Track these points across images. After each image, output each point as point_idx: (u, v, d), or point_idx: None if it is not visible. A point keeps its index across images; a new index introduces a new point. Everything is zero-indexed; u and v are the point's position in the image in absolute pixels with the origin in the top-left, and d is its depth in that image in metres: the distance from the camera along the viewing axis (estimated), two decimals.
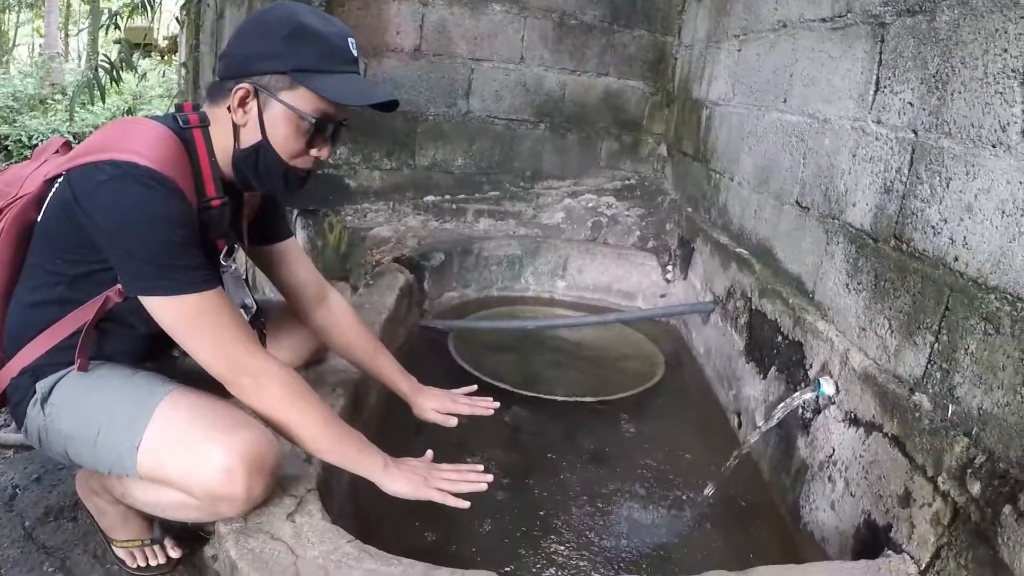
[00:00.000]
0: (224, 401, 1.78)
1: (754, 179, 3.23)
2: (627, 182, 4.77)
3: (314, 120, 1.70)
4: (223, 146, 1.76)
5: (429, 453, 1.99)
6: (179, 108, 1.81)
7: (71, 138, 11.88)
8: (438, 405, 2.31)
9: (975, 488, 1.58)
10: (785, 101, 2.96)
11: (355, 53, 1.74)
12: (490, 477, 1.92)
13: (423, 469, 1.86)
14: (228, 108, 1.71)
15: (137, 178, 1.56)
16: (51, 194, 1.69)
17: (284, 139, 1.72)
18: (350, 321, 2.27)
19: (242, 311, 1.87)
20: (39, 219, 1.71)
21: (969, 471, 1.61)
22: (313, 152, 1.76)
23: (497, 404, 2.37)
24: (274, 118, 1.70)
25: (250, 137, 1.73)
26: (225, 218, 1.82)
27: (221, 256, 1.83)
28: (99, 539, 2.09)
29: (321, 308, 2.23)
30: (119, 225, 1.55)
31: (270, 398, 1.67)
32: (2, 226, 1.71)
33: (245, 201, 1.99)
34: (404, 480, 1.79)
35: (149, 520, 2.03)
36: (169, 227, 1.57)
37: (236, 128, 1.74)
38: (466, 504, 1.81)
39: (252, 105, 1.70)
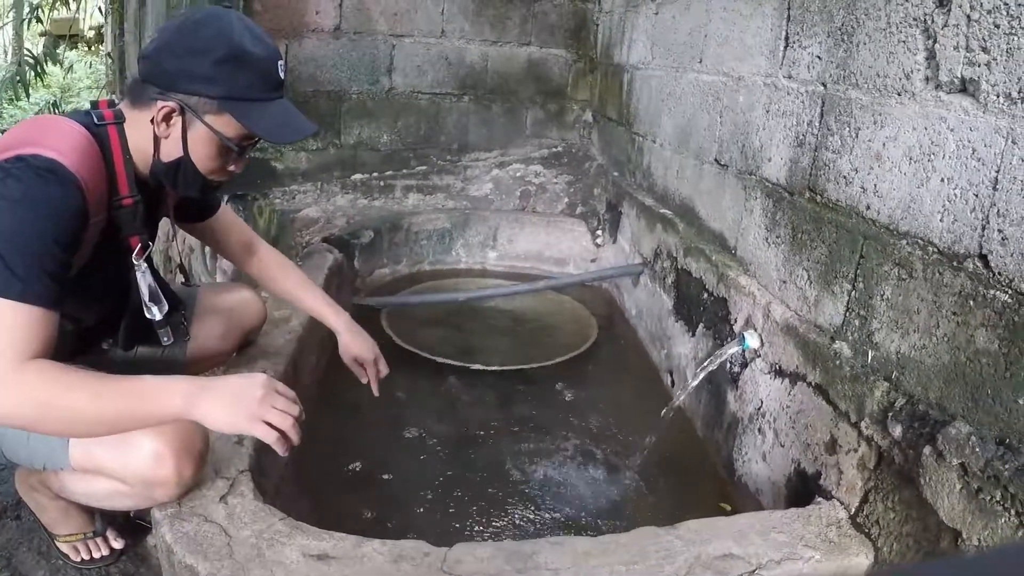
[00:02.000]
0: None
1: (675, 140, 3.26)
2: (554, 150, 4.78)
3: (237, 148, 1.71)
4: (141, 148, 1.73)
5: (265, 375, 1.66)
6: (94, 105, 1.77)
7: None
8: (358, 353, 2.30)
9: (897, 431, 1.62)
10: (701, 61, 2.98)
11: (282, 76, 1.74)
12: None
13: (250, 392, 1.55)
14: (152, 120, 1.68)
15: (35, 169, 1.52)
16: None
17: (205, 158, 1.72)
18: (279, 267, 2.33)
19: (155, 308, 1.85)
20: None
21: (890, 415, 1.65)
22: (231, 168, 1.77)
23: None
24: (197, 139, 1.70)
25: (171, 151, 1.72)
26: (139, 216, 1.79)
27: (133, 255, 1.79)
28: (42, 535, 2.10)
29: (253, 260, 2.29)
30: (3, 205, 1.49)
31: (29, 384, 1.46)
32: None
33: (168, 194, 1.97)
34: (222, 410, 1.52)
35: (90, 513, 2.03)
36: (47, 217, 1.51)
37: (157, 140, 1.71)
38: (285, 452, 1.57)
39: (176, 122, 1.68)
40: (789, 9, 2.29)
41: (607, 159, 4.42)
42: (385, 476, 2.37)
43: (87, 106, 1.81)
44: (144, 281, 1.84)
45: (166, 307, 1.87)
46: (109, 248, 1.75)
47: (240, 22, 1.71)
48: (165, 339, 1.81)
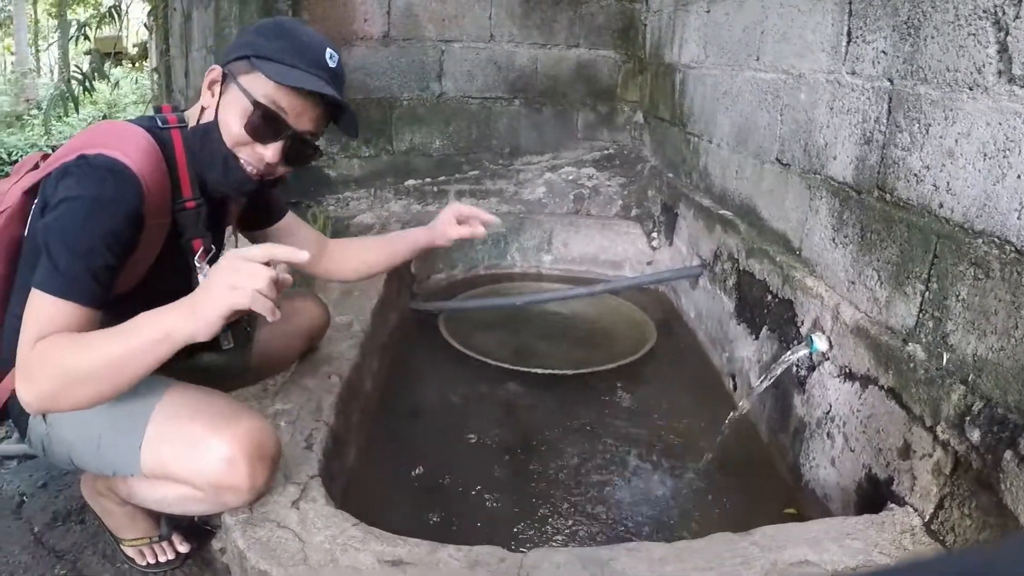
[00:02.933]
0: (221, 394, 1.80)
1: (732, 139, 3.22)
2: (606, 152, 4.75)
3: (254, 103, 1.66)
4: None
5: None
6: (158, 110, 1.81)
7: (49, 151, 11.85)
8: (446, 219, 2.34)
9: (975, 435, 1.58)
10: (758, 59, 2.94)
11: (330, 63, 1.73)
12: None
13: (222, 272, 1.44)
14: (201, 91, 1.74)
15: (96, 168, 1.55)
16: (33, 206, 1.68)
17: (230, 121, 1.69)
18: (347, 252, 2.34)
19: None
20: (25, 232, 1.70)
21: (967, 419, 1.61)
22: (259, 149, 1.71)
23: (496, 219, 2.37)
24: (228, 100, 1.70)
25: (207, 118, 1.74)
26: (201, 218, 1.80)
27: (195, 257, 1.80)
28: (108, 539, 2.12)
29: (326, 254, 2.29)
30: (57, 204, 1.53)
31: (38, 358, 1.47)
32: None
33: (231, 201, 1.99)
34: (206, 297, 1.44)
35: (156, 517, 2.05)
36: (102, 215, 1.53)
37: (203, 111, 1.75)
38: (278, 314, 1.45)
39: (217, 89, 1.72)
40: (850, 4, 2.25)
41: (660, 160, 4.38)
42: (448, 480, 2.36)
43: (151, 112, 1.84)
44: None
45: None
46: (173, 252, 1.77)
47: (301, 23, 1.76)
48: (225, 343, 1.79)
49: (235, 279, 1.41)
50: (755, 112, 2.97)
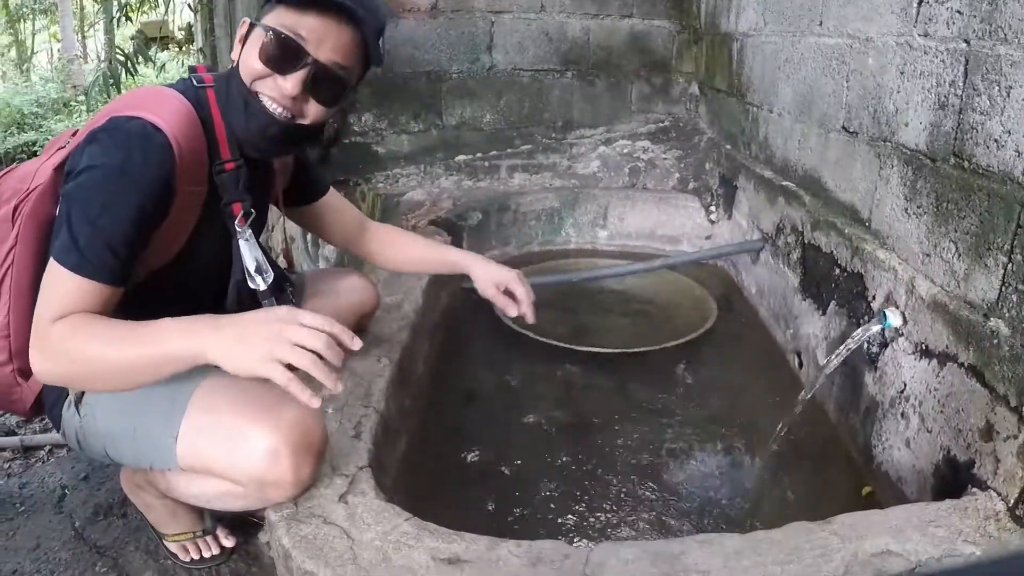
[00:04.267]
0: (260, 383, 1.71)
1: (795, 108, 3.10)
2: (661, 124, 4.64)
3: (271, 29, 1.59)
4: None
5: (287, 307, 1.55)
6: (192, 70, 1.75)
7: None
8: (499, 277, 2.27)
9: None
10: (821, 24, 2.82)
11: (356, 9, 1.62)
12: (358, 344, 1.49)
13: (262, 330, 1.41)
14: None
15: (129, 129, 1.50)
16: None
17: (249, 58, 1.62)
18: (397, 234, 2.33)
19: (259, 278, 1.78)
20: (57, 212, 1.63)
21: None
22: (279, 81, 1.61)
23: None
24: (250, 42, 1.64)
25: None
26: (241, 181, 1.73)
27: (236, 222, 1.74)
28: (150, 534, 2.08)
29: (367, 237, 2.26)
30: (82, 170, 1.48)
31: (54, 339, 1.44)
32: (19, 224, 1.65)
33: (276, 169, 1.93)
34: (232, 353, 1.40)
35: (199, 511, 1.99)
36: (128, 183, 1.48)
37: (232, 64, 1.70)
38: (317, 402, 1.39)
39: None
40: None
41: (717, 132, 4.26)
42: (504, 466, 2.30)
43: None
44: (248, 250, 1.78)
45: (271, 277, 1.79)
46: (213, 218, 1.70)
47: None
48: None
49: (281, 352, 1.37)
50: (819, 79, 2.85)
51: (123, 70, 6.58)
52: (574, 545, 1.46)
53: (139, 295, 1.61)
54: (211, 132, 1.67)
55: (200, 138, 1.63)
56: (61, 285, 1.45)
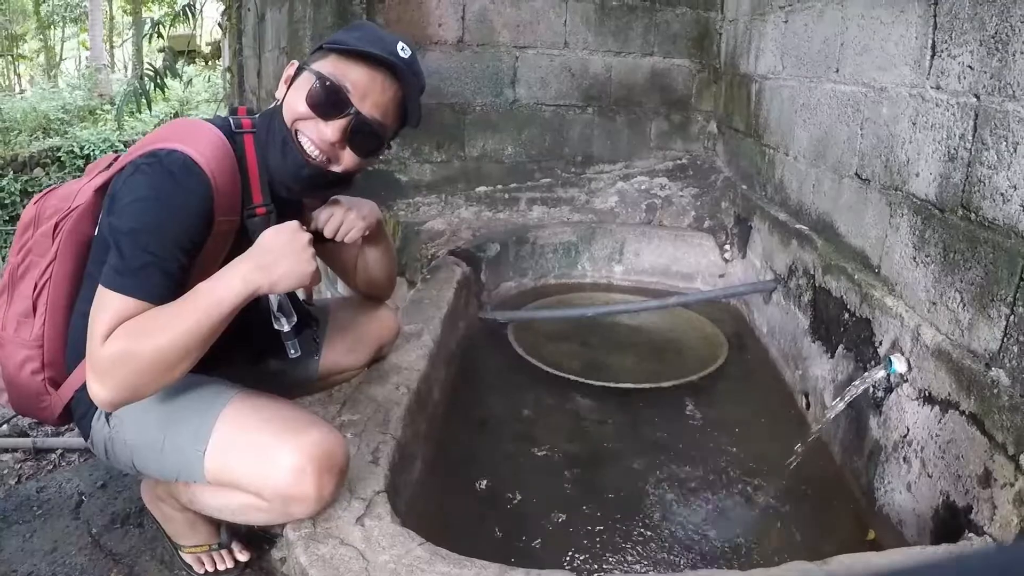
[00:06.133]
0: (289, 402, 1.79)
1: (810, 153, 3.15)
2: (679, 162, 4.71)
3: (318, 75, 1.66)
4: None
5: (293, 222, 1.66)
6: (233, 111, 1.81)
7: (122, 147, 12.14)
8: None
9: None
10: (838, 71, 2.88)
11: (401, 53, 1.71)
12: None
13: (297, 245, 1.60)
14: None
15: (170, 163, 1.57)
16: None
17: (295, 100, 1.69)
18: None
19: (283, 319, 1.79)
20: (96, 231, 1.72)
21: None
22: (321, 126, 1.68)
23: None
24: (297, 85, 1.70)
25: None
26: (271, 225, 1.75)
27: None
28: (166, 545, 2.11)
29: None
30: (127, 203, 1.55)
31: (112, 353, 1.49)
32: (59, 240, 1.72)
33: (305, 207, 1.98)
34: (285, 272, 1.58)
35: (216, 525, 2.03)
36: (171, 213, 1.55)
37: (275, 104, 1.76)
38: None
39: (291, 82, 1.74)
40: (935, 17, 2.19)
41: (734, 171, 4.32)
42: (514, 494, 2.34)
43: (226, 112, 1.84)
44: (274, 297, 1.80)
45: (295, 319, 1.81)
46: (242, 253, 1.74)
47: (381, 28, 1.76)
48: (292, 351, 1.76)
49: (312, 256, 1.60)
50: (834, 125, 2.90)
51: (152, 84, 6.70)
52: (579, 574, 1.50)
53: None
54: (245, 176, 1.73)
55: (235, 177, 1.70)
56: (113, 309, 1.50)
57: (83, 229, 1.73)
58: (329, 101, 1.67)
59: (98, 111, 14.67)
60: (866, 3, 2.64)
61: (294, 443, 1.59)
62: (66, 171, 11.90)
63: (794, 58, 3.38)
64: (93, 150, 12.30)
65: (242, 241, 1.74)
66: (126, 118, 10.98)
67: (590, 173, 4.63)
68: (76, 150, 12.31)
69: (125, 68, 21.62)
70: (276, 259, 1.57)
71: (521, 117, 4.51)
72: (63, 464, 3.16)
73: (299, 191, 1.82)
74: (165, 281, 1.54)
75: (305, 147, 1.70)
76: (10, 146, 12.37)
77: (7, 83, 19.51)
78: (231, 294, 1.54)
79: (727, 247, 4.14)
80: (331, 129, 1.67)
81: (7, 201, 11.35)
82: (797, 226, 3.21)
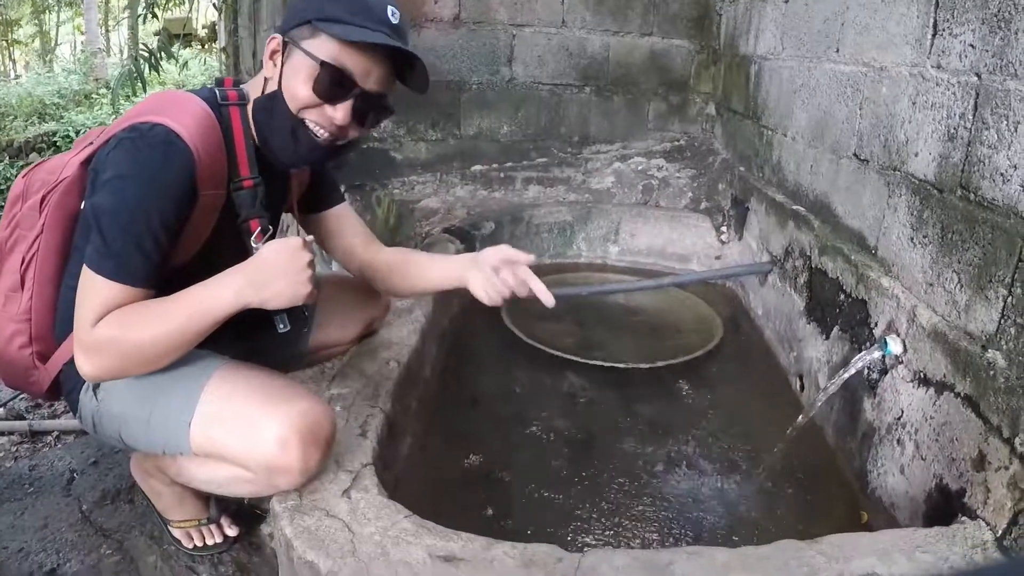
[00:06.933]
0: (276, 373, 1.79)
1: (809, 133, 3.13)
2: (676, 143, 4.68)
3: (321, 62, 1.63)
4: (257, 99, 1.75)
5: (297, 238, 1.64)
6: (219, 83, 1.79)
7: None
8: (484, 283, 1.96)
9: None
10: (838, 51, 2.85)
11: (392, 19, 1.67)
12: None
13: (297, 264, 1.59)
14: (262, 63, 1.72)
15: (151, 137, 1.55)
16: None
17: (295, 86, 1.66)
18: (400, 257, 2.14)
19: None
20: (82, 204, 1.70)
21: None
22: (328, 111, 1.67)
23: (553, 301, 1.99)
24: (292, 66, 1.67)
25: (271, 88, 1.71)
26: (259, 198, 1.78)
27: (252, 238, 1.78)
28: (156, 520, 2.13)
29: (368, 261, 2.16)
30: (108, 179, 1.55)
31: (100, 338, 1.52)
32: (46, 214, 1.72)
33: (293, 176, 1.98)
34: (277, 291, 1.58)
35: (205, 500, 2.05)
36: (152, 192, 1.54)
37: (266, 82, 1.72)
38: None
39: (279, 59, 1.69)
40: None
41: (732, 153, 4.29)
42: (504, 472, 2.34)
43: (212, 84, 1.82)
44: None
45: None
46: (228, 231, 1.76)
47: None
48: (281, 326, 1.75)
49: (310, 278, 1.60)
50: (833, 105, 2.88)
51: (147, 66, 6.64)
52: (568, 550, 1.49)
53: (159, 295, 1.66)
54: (231, 149, 1.72)
55: (220, 148, 1.68)
56: (99, 294, 1.52)
57: (69, 202, 1.73)
58: (336, 88, 1.66)
59: (94, 95, 14.57)
60: None
61: (279, 414, 1.59)
62: None
63: (794, 38, 3.35)
64: None
65: (230, 219, 1.75)
66: (122, 101, 10.92)
67: (587, 153, 4.60)
68: (72, 135, 12.19)
69: (121, 52, 21.46)
70: (272, 278, 1.58)
71: (517, 96, 4.48)
72: (59, 446, 3.18)
73: (305, 164, 1.85)
74: (147, 263, 1.55)
75: (314, 131, 1.70)
76: (5, 131, 12.29)
77: (2, 69, 19.42)
78: (221, 306, 1.57)
79: (724, 228, 4.11)
80: (340, 112, 1.67)
81: (3, 187, 11.31)
82: (794, 207, 3.18)
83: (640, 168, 4.57)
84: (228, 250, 1.74)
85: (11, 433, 3.10)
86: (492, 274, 1.95)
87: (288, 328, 1.78)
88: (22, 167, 11.56)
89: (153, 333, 1.53)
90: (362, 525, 1.53)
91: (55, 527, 2.17)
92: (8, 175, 11.42)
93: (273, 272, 1.57)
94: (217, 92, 1.73)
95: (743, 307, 3.70)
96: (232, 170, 1.72)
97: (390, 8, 1.68)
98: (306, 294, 1.60)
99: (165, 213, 1.56)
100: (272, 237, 1.83)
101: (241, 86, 1.78)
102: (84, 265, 1.54)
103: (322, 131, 1.70)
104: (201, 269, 1.65)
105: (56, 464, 2.49)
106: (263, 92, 1.73)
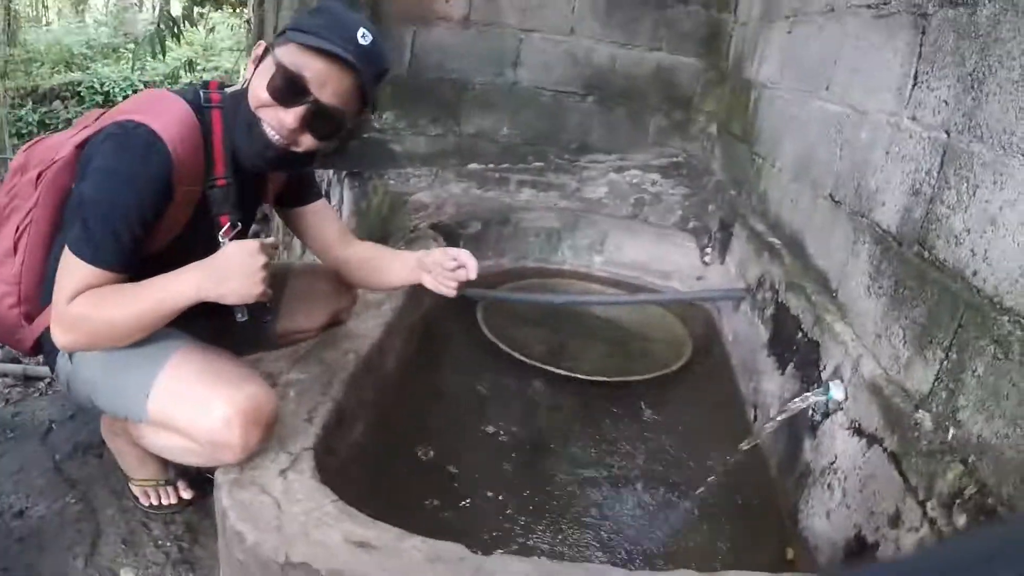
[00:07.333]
0: (230, 357, 1.91)
1: (793, 167, 3.15)
2: (674, 159, 4.70)
3: (277, 63, 1.71)
4: None
5: (256, 241, 1.73)
6: (205, 85, 1.89)
7: (142, 86, 12.23)
8: (433, 281, 2.10)
9: (961, 520, 1.53)
10: (828, 88, 2.87)
11: (361, 40, 1.74)
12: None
13: (252, 265, 1.68)
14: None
15: (134, 136, 1.68)
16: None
17: (258, 86, 1.75)
18: (369, 251, 2.29)
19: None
20: (71, 201, 1.82)
21: (958, 501, 1.56)
22: (281, 113, 1.74)
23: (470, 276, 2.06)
24: (261, 69, 1.77)
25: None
26: (231, 197, 1.88)
27: (221, 232, 1.86)
28: (119, 477, 2.27)
29: (343, 254, 2.27)
30: (92, 170, 1.69)
31: (73, 313, 1.67)
32: (41, 189, 1.87)
33: (268, 178, 2.07)
34: (232, 287, 1.68)
35: (165, 462, 2.20)
36: (130, 187, 1.67)
37: (246, 85, 1.82)
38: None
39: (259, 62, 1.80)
40: (921, 46, 2.18)
41: (727, 176, 4.31)
42: (454, 467, 2.42)
43: (202, 81, 1.92)
44: None
45: None
46: (202, 224, 1.87)
47: (348, 8, 1.83)
48: (239, 315, 1.84)
49: (264, 278, 1.69)
50: (818, 143, 2.90)
51: (169, 32, 6.74)
52: (474, 552, 1.54)
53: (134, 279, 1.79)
54: (210, 148, 1.83)
55: (198, 150, 1.79)
56: (77, 272, 1.67)
57: (62, 181, 1.87)
58: (288, 90, 1.74)
59: (121, 49, 14.63)
60: (863, 22, 2.63)
61: (225, 395, 1.73)
62: (85, 105, 11.91)
63: (793, 69, 3.37)
64: (112, 87, 12.32)
65: (203, 213, 1.87)
66: (147, 59, 11.02)
67: (584, 161, 4.62)
68: (96, 86, 12.29)
69: (153, 8, 21.57)
70: (228, 276, 1.68)
71: (520, 99, 4.51)
72: (50, 392, 3.29)
73: (264, 168, 1.91)
74: (122, 251, 1.69)
75: (267, 131, 1.78)
76: (31, 77, 12.40)
77: (35, 15, 19.50)
78: (183, 297, 1.69)
79: (708, 250, 4.13)
80: (291, 116, 1.75)
81: (24, 131, 11.43)
82: (771, 239, 3.21)
83: (635, 181, 4.58)
84: (200, 240, 1.85)
85: (5, 375, 3.19)
86: (440, 271, 2.08)
87: (246, 318, 1.87)
88: (45, 113, 11.73)
89: (121, 314, 1.68)
90: (291, 504, 1.63)
91: (28, 473, 2.32)
92: (30, 120, 11.57)
93: (229, 271, 1.68)
94: (202, 94, 1.84)
95: (716, 331, 3.71)
96: (208, 169, 1.83)
97: (362, 30, 1.75)
98: (258, 293, 1.70)
99: (142, 208, 1.69)
100: (244, 232, 1.96)
101: (225, 89, 1.88)
102: (65, 246, 1.68)
103: (274, 133, 1.77)
104: (175, 255, 1.77)
105: (37, 414, 2.64)
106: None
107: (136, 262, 1.73)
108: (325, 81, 1.73)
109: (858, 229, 2.41)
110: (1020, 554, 0.44)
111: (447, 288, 2.09)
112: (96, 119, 1.89)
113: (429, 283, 2.11)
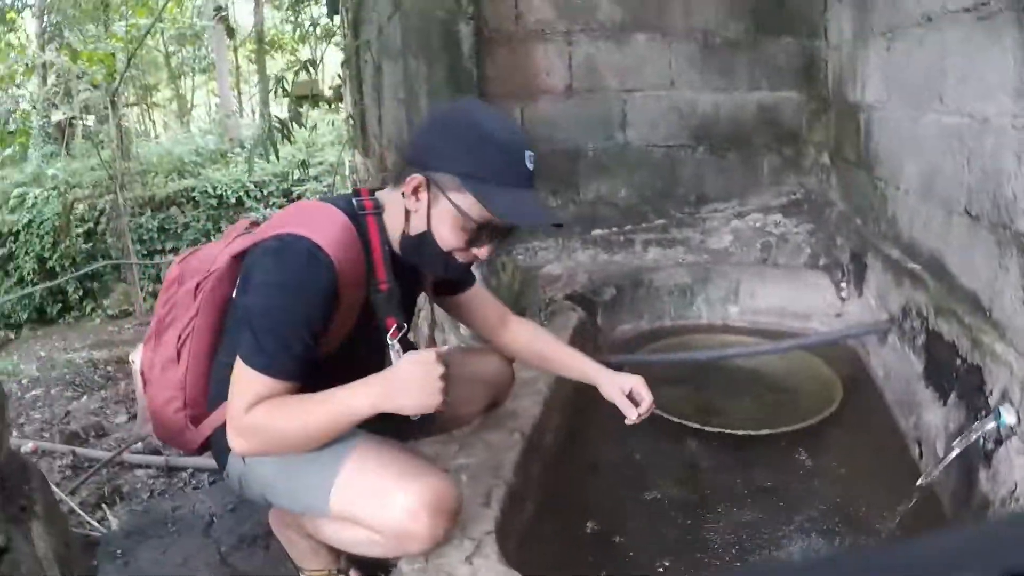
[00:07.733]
0: (408, 449, 2.00)
1: (919, 187, 3.05)
2: (793, 197, 4.61)
3: (475, 225, 1.80)
4: (395, 227, 1.93)
5: (432, 352, 1.81)
6: (356, 193, 1.99)
7: (253, 187, 13.14)
8: (623, 384, 2.23)
9: None
10: (941, 100, 2.78)
11: (531, 167, 1.82)
12: None
13: (431, 376, 1.74)
14: (403, 194, 1.86)
15: (297, 250, 1.76)
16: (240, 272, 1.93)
17: (446, 234, 1.84)
18: (533, 332, 2.41)
19: None
20: (233, 293, 1.96)
21: None
22: (473, 250, 1.86)
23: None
24: (440, 213, 1.83)
25: (417, 225, 1.88)
26: (394, 299, 1.95)
27: (388, 335, 1.94)
28: (289, 568, 2.31)
29: (506, 332, 2.37)
30: (259, 284, 1.79)
31: (250, 423, 1.75)
32: (200, 299, 1.99)
33: (424, 275, 2.16)
34: (412, 400, 1.75)
35: (337, 552, 2.24)
36: (298, 299, 1.75)
37: (408, 213, 1.89)
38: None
39: (424, 196, 1.84)
40: None
41: (848, 205, 4.19)
42: (621, 538, 2.39)
43: (349, 190, 2.02)
44: (396, 359, 1.97)
45: None
46: (367, 327, 1.95)
47: (490, 111, 1.93)
48: (413, 417, 1.89)
49: (441, 389, 1.73)
50: (940, 158, 2.80)
51: (280, 135, 7.17)
52: None
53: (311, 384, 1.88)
54: (369, 254, 1.91)
55: (359, 258, 1.88)
56: (252, 384, 1.74)
57: (221, 290, 2.00)
58: (486, 237, 1.86)
59: (228, 154, 15.52)
60: (964, 27, 2.55)
61: (410, 487, 1.78)
62: (199, 209, 12.82)
63: (899, 86, 3.28)
64: (225, 190, 13.14)
65: (368, 317, 1.95)
66: (257, 161, 11.64)
67: (704, 212, 4.59)
68: (209, 190, 13.09)
69: (253, 113, 22.82)
70: (408, 391, 1.74)
71: (632, 159, 4.53)
72: (193, 482, 3.39)
73: (444, 276, 2.10)
74: (294, 361, 1.76)
75: (461, 261, 1.91)
76: (148, 187, 13.23)
77: (143, 129, 20.90)
78: (358, 413, 1.76)
79: (843, 285, 4.00)
80: (485, 251, 1.90)
81: (146, 237, 12.33)
82: (909, 265, 3.10)
83: (758, 225, 4.52)
84: (367, 342, 1.95)
85: (148, 467, 3.31)
86: (622, 391, 2.21)
87: (419, 417, 1.92)
88: (163, 219, 12.53)
89: (296, 426, 1.76)
90: None
91: (194, 565, 2.39)
92: (150, 227, 12.47)
93: (408, 385, 1.73)
94: (355, 202, 1.93)
95: (864, 368, 3.58)
96: (369, 275, 1.91)
97: (528, 154, 1.82)
98: (436, 403, 1.74)
99: (310, 318, 1.77)
100: (407, 331, 2.03)
101: (376, 195, 1.97)
102: (238, 357, 1.76)
103: (466, 261, 1.91)
104: (344, 358, 1.90)
105: (197, 507, 2.72)
106: (407, 223, 1.91)
107: (308, 370, 1.80)
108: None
109: (1002, 242, 2.30)
110: (989, 556, 0.43)
111: (629, 414, 2.19)
112: (246, 228, 2.04)
113: (611, 390, 2.23)
